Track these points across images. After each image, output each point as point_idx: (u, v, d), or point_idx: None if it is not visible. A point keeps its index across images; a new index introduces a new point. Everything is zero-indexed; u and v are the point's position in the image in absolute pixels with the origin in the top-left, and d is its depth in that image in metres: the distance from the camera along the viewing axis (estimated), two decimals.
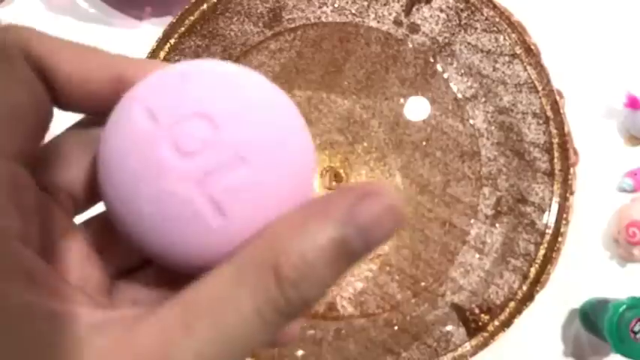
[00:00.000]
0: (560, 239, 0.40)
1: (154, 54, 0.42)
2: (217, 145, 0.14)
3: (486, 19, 0.43)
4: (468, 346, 0.40)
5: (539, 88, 0.42)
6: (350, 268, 0.14)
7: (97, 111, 0.17)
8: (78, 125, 0.18)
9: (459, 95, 0.45)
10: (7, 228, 0.14)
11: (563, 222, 0.41)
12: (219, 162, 0.14)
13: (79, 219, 0.18)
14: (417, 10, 0.45)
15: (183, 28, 0.42)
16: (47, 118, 0.16)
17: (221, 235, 0.14)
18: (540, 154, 0.42)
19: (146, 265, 0.18)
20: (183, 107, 0.15)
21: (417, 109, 0.45)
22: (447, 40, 0.44)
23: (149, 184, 0.14)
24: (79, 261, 0.16)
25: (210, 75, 0.16)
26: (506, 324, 0.40)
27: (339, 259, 0.13)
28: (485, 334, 0.40)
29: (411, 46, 0.45)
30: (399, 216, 0.13)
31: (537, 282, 0.40)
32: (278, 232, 0.14)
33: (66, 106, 0.17)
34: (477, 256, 0.42)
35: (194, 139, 0.14)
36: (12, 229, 0.14)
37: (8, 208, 0.14)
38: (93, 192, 0.17)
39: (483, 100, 0.44)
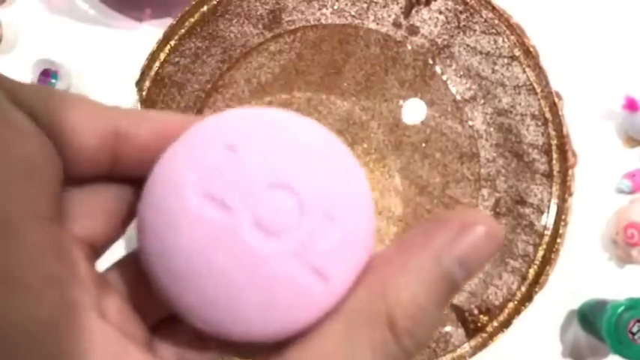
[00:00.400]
0: (558, 240, 0.40)
1: (153, 56, 0.42)
2: (304, 210, 0.13)
3: (485, 21, 0.43)
4: (466, 347, 0.40)
5: (538, 90, 0.42)
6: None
7: (90, 170, 0.15)
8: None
9: (458, 97, 0.45)
10: (79, 301, 0.12)
11: (562, 223, 0.41)
12: (312, 228, 0.13)
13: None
14: (416, 12, 0.45)
15: (183, 30, 0.42)
16: (60, 167, 0.14)
17: (323, 299, 0.13)
18: (539, 155, 0.42)
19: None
20: (252, 183, 0.13)
21: (416, 110, 0.45)
22: (445, 42, 0.45)
23: (247, 278, 0.13)
24: (119, 319, 0.14)
25: (257, 138, 0.14)
26: (505, 325, 0.40)
27: (447, 295, 0.13)
28: (484, 335, 0.40)
29: (410, 48, 0.45)
30: (496, 241, 0.13)
31: (536, 283, 0.40)
32: (382, 278, 0.13)
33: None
34: None
35: (280, 213, 0.13)
36: (85, 301, 0.13)
37: (80, 279, 0.13)
38: (110, 242, 0.16)
39: (482, 101, 0.44)
